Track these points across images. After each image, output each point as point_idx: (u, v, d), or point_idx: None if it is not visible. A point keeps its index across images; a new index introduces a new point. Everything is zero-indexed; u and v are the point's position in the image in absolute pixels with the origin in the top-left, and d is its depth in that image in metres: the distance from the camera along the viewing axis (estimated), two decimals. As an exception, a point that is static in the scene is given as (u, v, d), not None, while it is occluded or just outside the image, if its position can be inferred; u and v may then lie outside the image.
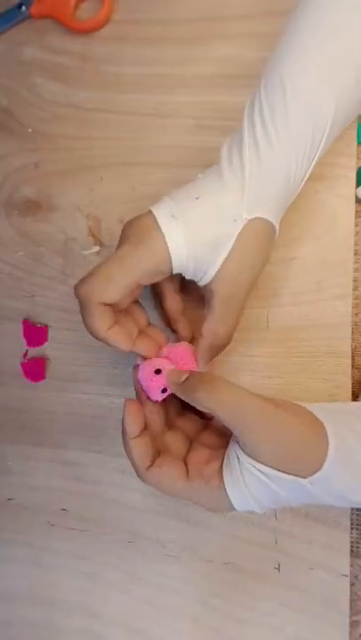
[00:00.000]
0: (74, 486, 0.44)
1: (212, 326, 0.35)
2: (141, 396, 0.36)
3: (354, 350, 0.40)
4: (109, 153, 0.45)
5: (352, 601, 0.39)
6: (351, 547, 0.39)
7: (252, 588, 0.41)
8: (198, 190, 0.34)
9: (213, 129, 0.43)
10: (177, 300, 0.39)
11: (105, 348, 0.44)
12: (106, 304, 0.33)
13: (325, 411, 0.32)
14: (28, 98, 0.47)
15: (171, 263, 0.33)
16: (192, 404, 0.32)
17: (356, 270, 0.40)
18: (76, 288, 0.33)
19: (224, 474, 0.32)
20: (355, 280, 0.40)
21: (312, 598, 0.40)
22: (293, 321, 0.40)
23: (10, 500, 0.46)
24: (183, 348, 0.37)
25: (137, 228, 0.34)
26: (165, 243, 0.32)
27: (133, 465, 0.34)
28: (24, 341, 0.45)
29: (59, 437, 0.45)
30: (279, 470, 0.30)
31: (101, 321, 0.33)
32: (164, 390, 0.35)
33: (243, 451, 0.31)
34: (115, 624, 0.43)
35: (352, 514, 0.39)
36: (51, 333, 0.45)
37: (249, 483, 0.31)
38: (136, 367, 0.36)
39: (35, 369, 0.45)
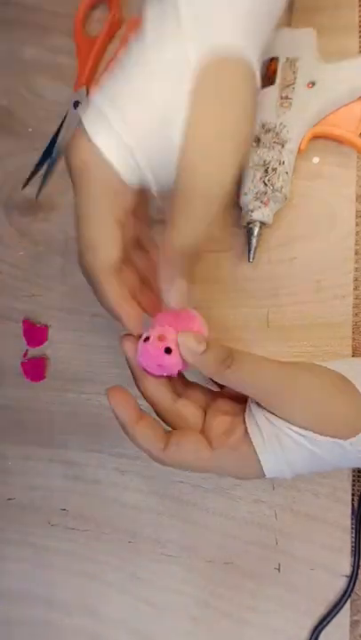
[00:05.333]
0: (74, 486, 0.44)
1: (168, 230, 0.27)
2: (137, 375, 0.31)
3: (354, 350, 0.40)
4: (109, 153, 0.45)
5: (352, 601, 0.39)
6: (351, 547, 0.39)
7: (252, 588, 0.41)
8: (124, 62, 0.25)
9: (213, 129, 0.43)
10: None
11: (105, 348, 0.44)
12: (110, 268, 0.28)
13: (353, 371, 0.30)
14: (28, 98, 0.47)
15: (122, 179, 0.26)
16: (215, 378, 0.29)
17: (356, 270, 0.40)
18: (81, 267, 0.28)
19: (253, 439, 0.29)
20: (355, 280, 0.40)
21: (312, 598, 0.39)
22: (293, 321, 0.40)
23: (10, 499, 0.46)
24: (175, 313, 0.30)
25: (70, 149, 0.26)
26: (103, 155, 0.25)
27: (145, 452, 0.30)
28: (24, 341, 0.45)
29: (59, 437, 0.45)
30: (318, 433, 0.28)
31: (114, 291, 0.28)
32: (167, 350, 0.28)
33: (276, 415, 0.29)
34: (115, 624, 0.43)
35: (352, 514, 0.39)
36: (51, 333, 0.45)
37: (285, 445, 0.28)
38: (124, 337, 0.31)
39: (35, 369, 0.45)
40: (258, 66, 0.26)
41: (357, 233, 0.40)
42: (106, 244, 0.27)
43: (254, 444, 0.29)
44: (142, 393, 0.31)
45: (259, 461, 0.29)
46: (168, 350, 0.28)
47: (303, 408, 0.28)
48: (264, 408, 0.29)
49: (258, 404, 0.30)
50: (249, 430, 0.30)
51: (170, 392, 0.31)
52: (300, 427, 0.28)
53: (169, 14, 0.24)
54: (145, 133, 0.25)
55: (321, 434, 0.28)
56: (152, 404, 0.31)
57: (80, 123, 0.26)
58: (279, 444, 0.29)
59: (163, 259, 0.28)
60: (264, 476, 0.30)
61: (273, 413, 0.29)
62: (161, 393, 0.31)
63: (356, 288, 0.40)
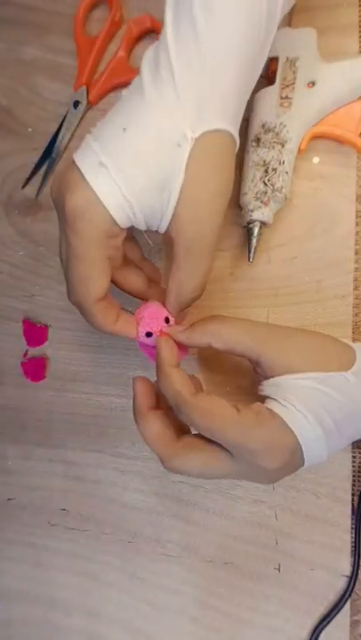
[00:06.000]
0: (74, 486, 0.44)
1: (177, 278, 0.31)
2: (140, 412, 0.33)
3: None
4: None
5: (352, 601, 0.39)
6: (351, 547, 0.39)
7: (252, 588, 0.41)
8: (124, 118, 0.28)
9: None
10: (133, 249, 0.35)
11: (105, 348, 0.44)
12: (99, 299, 0.31)
13: None
14: (28, 97, 0.47)
15: (117, 223, 0.29)
16: (205, 345, 0.32)
17: (356, 270, 0.40)
18: (72, 298, 0.32)
19: (271, 406, 0.30)
20: (355, 280, 0.40)
21: (312, 598, 0.39)
22: (293, 321, 0.40)
23: (10, 499, 0.46)
24: (155, 307, 0.34)
25: (65, 191, 0.28)
26: (101, 203, 0.28)
27: (177, 394, 0.29)
28: (24, 341, 0.45)
29: (59, 437, 0.45)
30: (318, 371, 0.30)
31: (104, 318, 0.31)
32: (148, 334, 0.33)
33: (276, 375, 0.30)
34: (115, 624, 0.43)
35: (352, 514, 0.39)
36: (51, 333, 0.45)
37: (298, 394, 0.29)
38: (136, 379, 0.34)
39: (35, 369, 0.45)
40: (237, 131, 0.30)
41: (357, 233, 0.40)
42: (97, 278, 0.30)
43: (271, 407, 0.30)
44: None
45: (286, 425, 0.29)
46: (149, 334, 0.33)
47: (297, 350, 0.31)
48: (270, 379, 0.31)
49: (265, 381, 0.32)
50: (266, 404, 0.30)
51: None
52: (301, 371, 0.30)
53: (164, 77, 0.27)
54: (143, 192, 0.28)
55: (319, 370, 0.30)
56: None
57: (73, 164, 0.28)
58: (294, 395, 0.29)
59: (172, 300, 0.32)
60: (298, 442, 0.29)
61: (274, 375, 0.31)
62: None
63: (356, 288, 0.40)
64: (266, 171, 0.37)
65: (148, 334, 0.33)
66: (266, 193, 0.37)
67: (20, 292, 0.46)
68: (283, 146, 0.37)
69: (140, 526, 0.43)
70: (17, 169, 0.46)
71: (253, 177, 0.38)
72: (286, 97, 0.38)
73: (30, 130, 0.47)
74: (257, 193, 0.37)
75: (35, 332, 0.45)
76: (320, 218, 0.40)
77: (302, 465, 0.30)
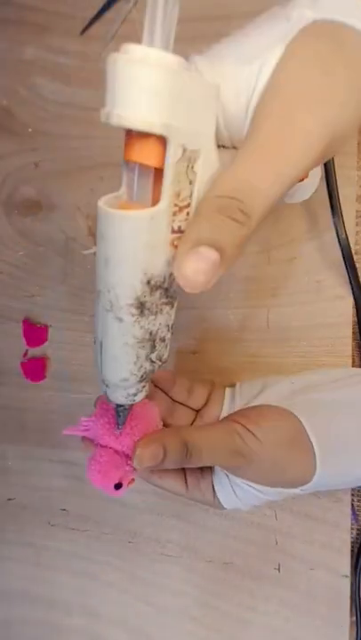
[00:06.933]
0: (74, 486, 0.44)
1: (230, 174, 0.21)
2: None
3: (354, 350, 0.40)
4: (109, 153, 0.45)
5: (352, 601, 0.39)
6: (351, 547, 0.39)
7: (252, 588, 0.41)
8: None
9: (213, 129, 0.43)
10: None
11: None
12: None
13: (306, 405, 0.33)
14: (28, 98, 0.47)
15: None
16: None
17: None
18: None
19: (216, 490, 0.34)
20: (355, 280, 0.40)
21: (312, 598, 0.39)
22: (293, 321, 0.40)
23: (10, 499, 0.46)
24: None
25: None
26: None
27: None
28: (24, 341, 0.45)
29: (59, 437, 0.45)
30: (271, 487, 0.32)
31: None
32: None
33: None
34: (115, 624, 0.43)
35: (352, 514, 0.39)
36: (51, 333, 0.45)
37: (240, 495, 0.33)
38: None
39: (35, 369, 0.45)
40: None
41: (357, 233, 0.40)
42: None
43: (217, 495, 0.34)
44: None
45: (220, 501, 0.34)
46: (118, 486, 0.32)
47: (258, 477, 0.32)
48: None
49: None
50: (214, 481, 0.34)
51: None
52: (255, 483, 0.32)
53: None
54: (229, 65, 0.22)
55: (274, 487, 0.32)
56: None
57: None
58: (235, 494, 0.33)
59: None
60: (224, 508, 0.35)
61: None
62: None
63: (356, 288, 0.40)
64: (153, 345, 0.25)
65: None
66: (153, 370, 0.27)
67: (20, 292, 0.46)
68: (172, 305, 0.25)
69: (140, 526, 0.43)
70: (17, 169, 0.46)
71: (137, 358, 0.25)
72: (179, 229, 0.23)
73: (30, 130, 0.47)
74: (143, 374, 0.26)
75: (35, 332, 0.45)
76: (320, 218, 0.40)
77: None
